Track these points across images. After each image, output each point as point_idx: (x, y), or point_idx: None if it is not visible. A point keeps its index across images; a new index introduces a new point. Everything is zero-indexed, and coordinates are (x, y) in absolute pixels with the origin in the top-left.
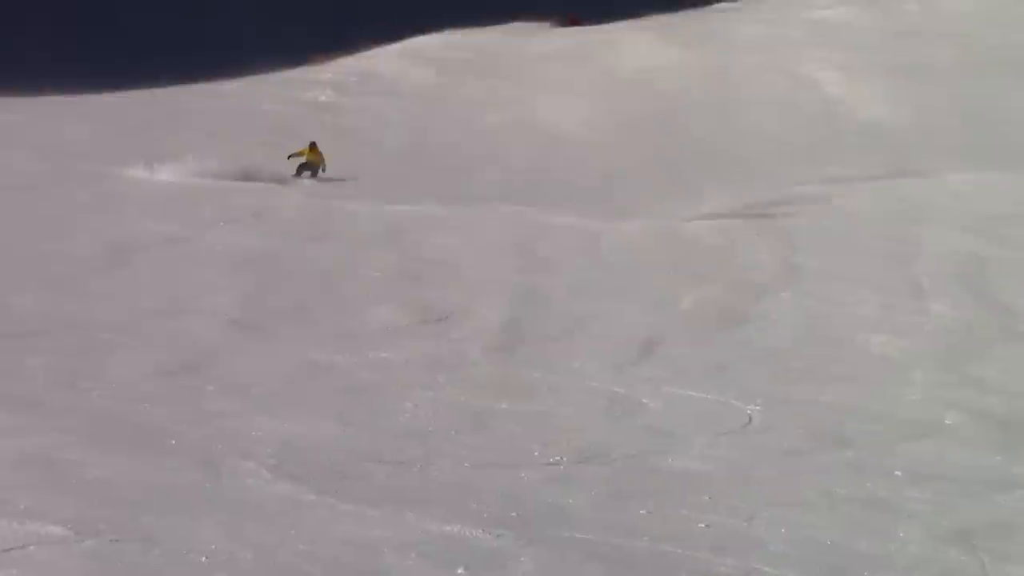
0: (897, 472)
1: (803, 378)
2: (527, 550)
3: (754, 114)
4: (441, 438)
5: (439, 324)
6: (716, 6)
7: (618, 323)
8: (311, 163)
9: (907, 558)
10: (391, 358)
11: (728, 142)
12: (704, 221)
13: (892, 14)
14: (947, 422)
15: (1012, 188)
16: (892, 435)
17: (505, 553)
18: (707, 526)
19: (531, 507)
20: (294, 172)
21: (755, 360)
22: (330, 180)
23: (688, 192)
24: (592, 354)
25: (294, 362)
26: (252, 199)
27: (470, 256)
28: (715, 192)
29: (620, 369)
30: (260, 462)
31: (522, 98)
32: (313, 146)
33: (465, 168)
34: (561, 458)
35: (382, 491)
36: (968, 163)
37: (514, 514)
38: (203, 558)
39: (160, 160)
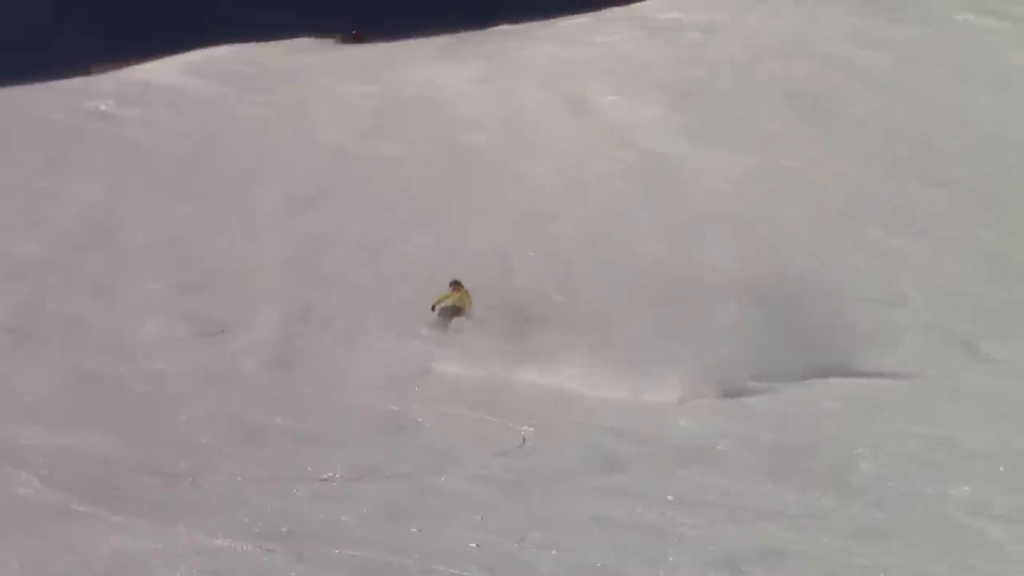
0: (669, 497)
1: (577, 400)
2: (297, 566)
3: (540, 134)
4: (214, 451)
5: (216, 337)
6: (499, 28)
7: (396, 342)
8: (458, 306)
9: None
10: (166, 369)
11: (514, 158)
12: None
13: (675, 43)
14: (719, 448)
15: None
16: (665, 460)
17: (275, 568)
18: (478, 546)
19: (303, 523)
20: (438, 316)
21: (533, 379)
22: (111, 188)
23: (472, 205)
24: (369, 372)
25: (66, 371)
26: (26, 205)
27: (251, 269)
28: (493, 205)
29: (396, 388)
30: (32, 471)
31: (305, 113)
32: (457, 286)
33: (247, 181)
34: (334, 475)
35: (153, 503)
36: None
37: (285, 529)
38: None
39: None
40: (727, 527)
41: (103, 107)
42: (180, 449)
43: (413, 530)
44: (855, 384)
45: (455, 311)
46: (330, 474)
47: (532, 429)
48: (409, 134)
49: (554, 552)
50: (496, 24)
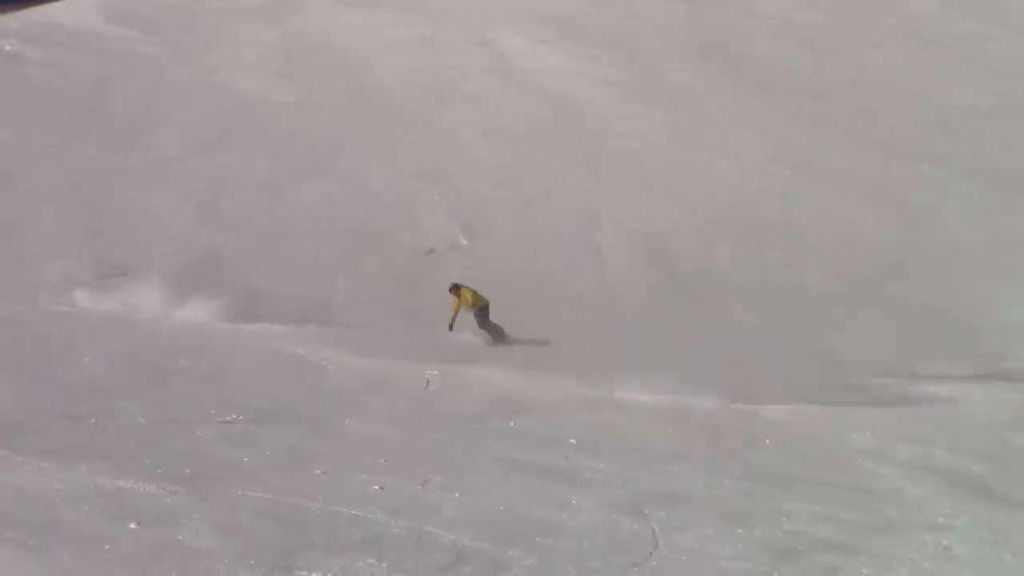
0: (572, 440)
1: (480, 351)
2: (200, 507)
3: (450, 81)
4: (117, 393)
5: (119, 279)
6: None
7: (298, 283)
8: (480, 306)
9: (579, 525)
10: (69, 312)
11: (421, 105)
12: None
13: None
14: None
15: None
16: (570, 405)
17: (178, 509)
18: (381, 488)
19: (206, 465)
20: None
21: (437, 325)
22: (15, 130)
23: (375, 150)
24: (272, 314)
25: None
26: None
27: (153, 211)
28: (397, 150)
29: (301, 330)
30: None
31: (209, 56)
32: (456, 289)
33: (147, 123)
34: (237, 417)
35: (57, 445)
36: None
37: (188, 471)
38: None
39: None
40: (632, 471)
41: (7, 47)
42: (83, 391)
43: (316, 472)
44: None
45: (483, 312)
46: (233, 416)
47: (436, 373)
48: (312, 78)
49: (457, 494)
50: None
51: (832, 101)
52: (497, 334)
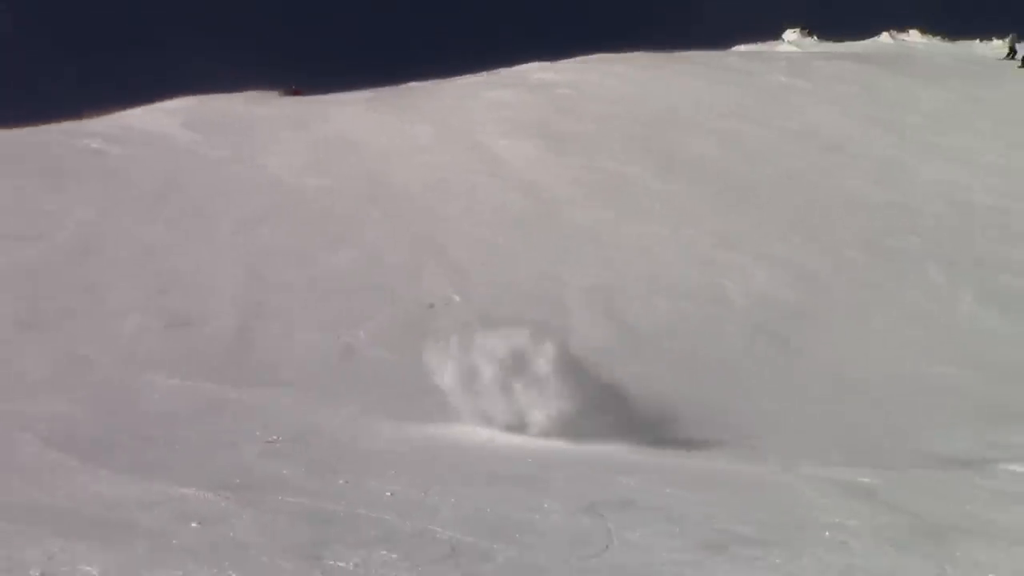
0: (529, 460)
1: None
2: (247, 510)
3: (440, 170)
4: (181, 420)
5: (182, 328)
6: (410, 84)
7: (326, 331)
8: None
9: (549, 524)
10: (143, 355)
11: (419, 190)
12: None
13: (550, 97)
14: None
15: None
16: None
17: (230, 512)
18: (392, 494)
19: (252, 476)
20: None
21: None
22: (99, 210)
23: (387, 227)
24: (306, 357)
25: (63, 356)
26: (30, 222)
27: (211, 275)
28: (404, 228)
29: (326, 370)
30: (35, 435)
31: (254, 153)
32: None
33: (207, 207)
34: (278, 438)
35: (133, 461)
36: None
37: (238, 481)
38: None
39: None
40: (589, 482)
41: (94, 145)
42: (154, 417)
43: (340, 482)
44: None
45: None
46: (274, 437)
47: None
48: (335, 170)
49: (452, 500)
50: (408, 82)
51: (749, 190)
52: None
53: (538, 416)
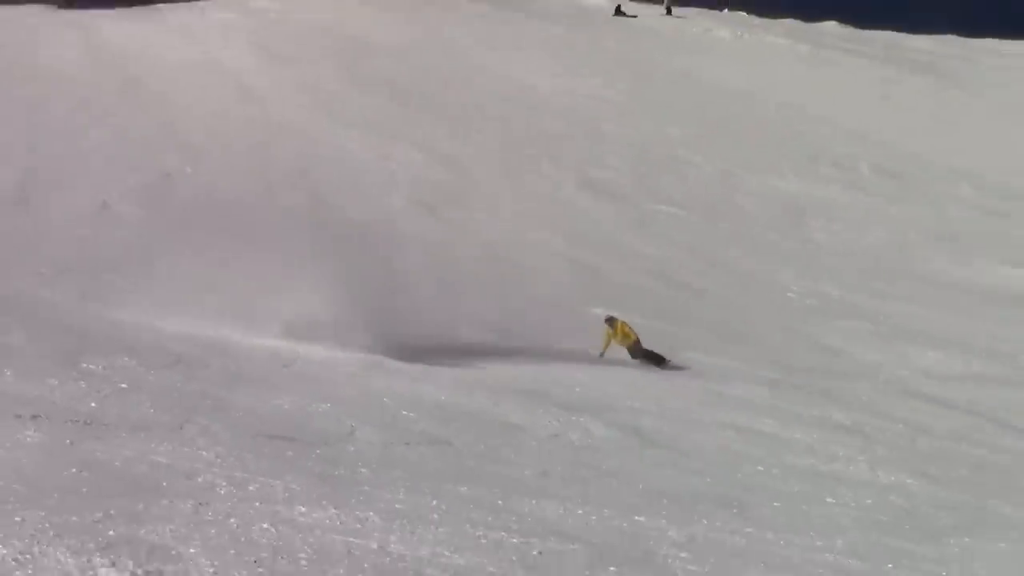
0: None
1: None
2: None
3: (182, 74)
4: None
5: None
6: (159, 5)
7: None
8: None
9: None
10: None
11: (175, 96)
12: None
13: (257, 14)
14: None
15: None
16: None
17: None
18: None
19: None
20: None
21: None
22: None
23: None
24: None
25: None
26: None
27: None
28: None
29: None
30: None
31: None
32: (612, 322)
33: None
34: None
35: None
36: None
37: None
38: None
39: None
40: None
41: None
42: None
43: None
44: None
45: (635, 345)
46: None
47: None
48: (99, 66)
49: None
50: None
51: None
52: (657, 360)
53: None
